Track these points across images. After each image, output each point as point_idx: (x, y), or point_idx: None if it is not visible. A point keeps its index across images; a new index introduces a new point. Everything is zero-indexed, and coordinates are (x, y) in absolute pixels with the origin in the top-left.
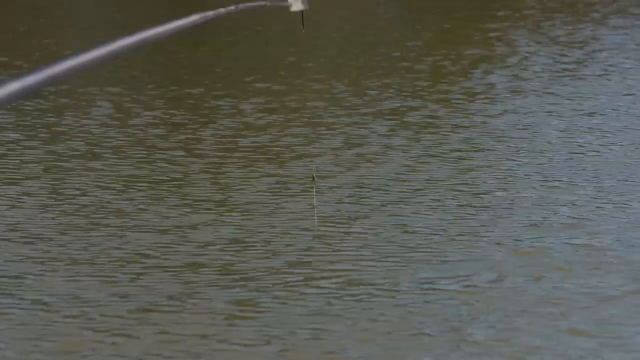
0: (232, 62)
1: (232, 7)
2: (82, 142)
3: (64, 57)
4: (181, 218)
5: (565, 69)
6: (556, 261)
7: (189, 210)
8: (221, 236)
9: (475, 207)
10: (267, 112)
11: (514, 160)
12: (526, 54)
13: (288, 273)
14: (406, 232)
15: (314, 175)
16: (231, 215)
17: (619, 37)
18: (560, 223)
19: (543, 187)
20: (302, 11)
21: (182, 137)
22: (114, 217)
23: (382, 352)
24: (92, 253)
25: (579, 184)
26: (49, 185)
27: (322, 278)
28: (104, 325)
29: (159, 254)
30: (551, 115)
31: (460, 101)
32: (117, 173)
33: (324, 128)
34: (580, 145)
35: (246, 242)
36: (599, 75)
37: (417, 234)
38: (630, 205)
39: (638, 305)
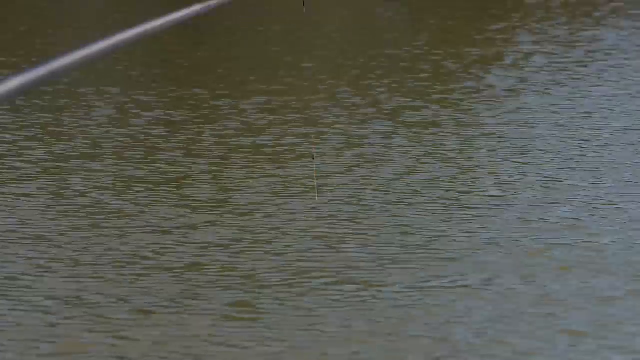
0: (232, 62)
1: None
2: (82, 143)
3: (63, 53)
4: (181, 219)
5: (565, 69)
6: (555, 261)
7: (189, 210)
8: (221, 237)
9: (475, 207)
10: (267, 112)
11: (514, 161)
12: (526, 54)
13: (288, 273)
14: (406, 232)
15: (315, 175)
16: (231, 216)
17: (619, 37)
18: (560, 223)
19: (542, 187)
20: None
21: (182, 137)
22: (114, 218)
23: (381, 352)
24: (92, 254)
25: (579, 184)
26: (49, 186)
27: (322, 278)
28: (104, 327)
29: (159, 254)
30: (551, 115)
31: (460, 101)
32: (117, 173)
33: (324, 128)
34: (580, 146)
35: (246, 243)
36: (599, 76)
37: (416, 234)
38: (630, 205)
39: (638, 305)
